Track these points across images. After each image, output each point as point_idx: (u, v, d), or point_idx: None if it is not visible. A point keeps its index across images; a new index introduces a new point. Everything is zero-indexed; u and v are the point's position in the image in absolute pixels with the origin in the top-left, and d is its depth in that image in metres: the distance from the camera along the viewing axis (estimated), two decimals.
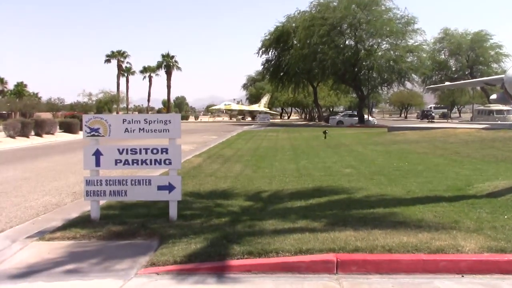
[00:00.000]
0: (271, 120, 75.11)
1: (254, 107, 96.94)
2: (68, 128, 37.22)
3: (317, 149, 20.01)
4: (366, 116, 58.37)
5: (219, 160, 15.78)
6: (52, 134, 34.09)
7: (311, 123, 72.79)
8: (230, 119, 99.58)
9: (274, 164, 14.30)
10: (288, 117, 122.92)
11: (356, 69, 55.01)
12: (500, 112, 45.01)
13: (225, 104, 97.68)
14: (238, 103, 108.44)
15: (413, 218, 6.82)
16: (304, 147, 21.42)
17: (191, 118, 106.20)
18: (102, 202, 7.89)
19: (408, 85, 60.75)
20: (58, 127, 36.62)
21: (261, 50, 63.33)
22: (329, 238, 5.81)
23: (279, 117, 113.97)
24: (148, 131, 7.22)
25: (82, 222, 7.11)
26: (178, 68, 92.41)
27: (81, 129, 35.95)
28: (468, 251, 5.34)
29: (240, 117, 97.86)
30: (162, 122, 7.19)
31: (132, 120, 7.28)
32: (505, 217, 6.86)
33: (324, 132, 27.83)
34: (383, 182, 10.42)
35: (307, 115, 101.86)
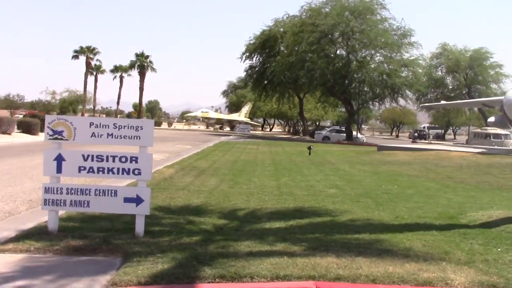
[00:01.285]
0: (251, 132, 75.67)
1: (234, 117, 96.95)
2: (27, 128, 36.80)
3: (300, 166, 20.13)
4: (354, 133, 58.88)
5: (193, 172, 15.75)
6: (9, 134, 33.68)
7: (295, 137, 73.46)
8: (207, 128, 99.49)
9: (253, 180, 14.33)
10: (271, 129, 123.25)
11: (346, 81, 55.35)
12: (497, 136, 45.85)
13: (202, 112, 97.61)
14: (216, 111, 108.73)
15: (400, 246, 6.89)
16: (286, 163, 21.54)
17: (164, 125, 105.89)
18: (61, 212, 7.78)
19: (401, 101, 61.65)
20: (16, 126, 36.17)
21: (244, 55, 64.02)
22: (309, 264, 5.81)
23: (260, 128, 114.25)
24: (117, 137, 7.17)
25: (37, 233, 7.01)
26: (153, 69, 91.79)
27: (41, 130, 35.73)
28: (457, 285, 5.40)
29: (218, 126, 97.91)
30: (133, 128, 7.16)
31: (100, 124, 7.22)
32: (499, 249, 6.97)
33: (309, 148, 28.10)
34: (370, 206, 10.52)
35: (291, 128, 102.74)
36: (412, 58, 56.12)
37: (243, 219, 8.63)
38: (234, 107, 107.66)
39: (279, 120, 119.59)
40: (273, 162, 22.03)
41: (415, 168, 20.66)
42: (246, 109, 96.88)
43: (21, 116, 49.74)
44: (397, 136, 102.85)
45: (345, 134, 57.69)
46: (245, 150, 30.08)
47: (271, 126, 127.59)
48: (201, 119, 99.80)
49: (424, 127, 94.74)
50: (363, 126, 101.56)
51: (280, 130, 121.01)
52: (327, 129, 68.79)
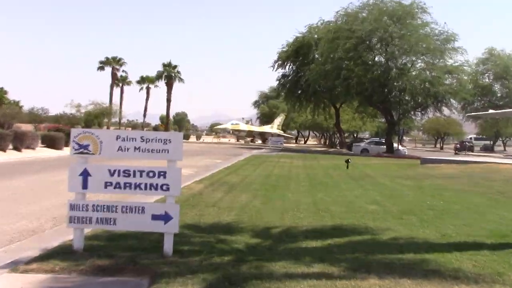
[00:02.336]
0: (284, 144, 75.23)
1: (266, 128, 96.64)
2: (51, 142, 37.47)
3: (338, 181, 19.96)
4: (395, 145, 57.87)
5: (223, 187, 15.76)
6: (33, 149, 34.33)
7: (331, 150, 72.26)
8: (237, 141, 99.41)
9: (287, 196, 14.26)
10: (305, 142, 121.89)
11: (385, 90, 54.18)
12: None
13: (232, 124, 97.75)
14: (247, 123, 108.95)
15: (448, 267, 6.73)
16: (322, 178, 21.37)
17: (193, 138, 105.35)
18: (87, 230, 7.86)
19: (446, 111, 60.04)
20: (40, 141, 36.87)
21: (277, 64, 64.06)
22: (349, 287, 5.72)
23: (294, 141, 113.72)
24: (145, 151, 7.24)
25: (62, 253, 7.08)
26: (181, 79, 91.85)
27: (66, 145, 36.42)
28: None
29: (249, 139, 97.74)
30: (161, 141, 7.23)
31: (127, 137, 7.30)
32: None
33: (347, 161, 27.74)
34: (413, 223, 10.33)
35: (327, 141, 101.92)
36: (456, 64, 54.74)
37: (278, 238, 8.57)
38: (266, 118, 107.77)
39: (314, 132, 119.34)
40: (308, 176, 21.88)
41: (462, 182, 20.25)
42: (278, 120, 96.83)
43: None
44: (441, 148, 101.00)
45: (385, 146, 56.67)
46: (278, 164, 30.01)
47: (305, 138, 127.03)
48: (231, 131, 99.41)
49: (470, 138, 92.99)
50: (404, 138, 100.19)
51: (315, 143, 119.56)
52: (365, 141, 67.85)
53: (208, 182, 17.51)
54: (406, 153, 56.31)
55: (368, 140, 67.14)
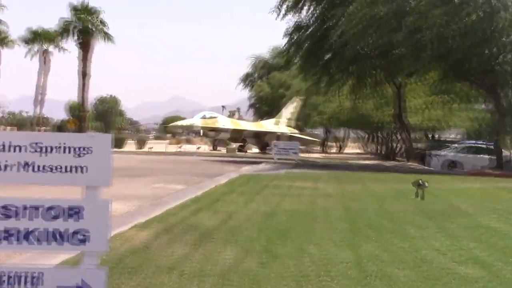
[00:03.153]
0: (302, 155, 45.23)
1: (267, 126, 61.76)
2: None
3: (402, 220, 13.03)
4: (506, 153, 36.63)
5: (189, 236, 10.23)
6: None
7: (388, 163, 45.17)
8: (214, 148, 62.01)
9: (307, 250, 9.23)
10: (340, 149, 77.58)
11: (487, 53, 33.20)
12: None
13: (203, 117, 57.37)
14: (232, 115, 74.93)
15: None
16: (372, 215, 13.88)
17: (131, 144, 59.58)
18: None
19: None
20: None
21: (285, 5, 36.89)
22: None
23: (320, 148, 72.14)
24: (42, 170, 4.67)
25: None
26: (108, 37, 55.79)
27: None
28: None
29: (234, 145, 60.33)
30: (72, 151, 4.72)
31: (9, 145, 4.63)
32: None
33: (418, 185, 18.83)
34: None
35: (380, 146, 64.55)
36: None
37: None
38: (266, 107, 70.38)
39: (356, 132, 72.16)
40: (347, 213, 14.26)
41: None
42: (290, 110, 62.53)
43: None
44: None
45: (490, 157, 36.04)
46: (291, 191, 19.33)
47: (340, 143, 78.98)
48: (201, 131, 58.52)
49: None
50: None
51: (359, 151, 77.24)
52: (453, 146, 42.95)
53: (160, 226, 11.39)
54: None
55: (459, 145, 42.69)
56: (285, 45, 40.59)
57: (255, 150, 61.63)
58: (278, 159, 37.01)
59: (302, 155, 45.03)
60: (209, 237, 9.97)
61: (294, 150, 38.88)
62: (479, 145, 39.81)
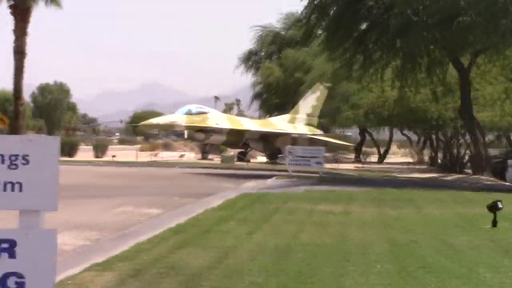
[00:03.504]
0: (328, 165, 37.30)
1: (280, 124, 49.84)
2: None
3: (471, 258, 10.22)
4: None
5: (168, 283, 7.59)
6: None
7: (450, 177, 36.63)
8: (204, 156, 50.70)
9: None
10: (382, 157, 61.50)
11: None
12: None
13: (187, 113, 45.98)
14: (229, 110, 64.04)
15: None
16: (429, 250, 10.35)
17: (87, 151, 50.84)
18: None
19: None
20: None
21: None
22: None
23: (353, 154, 60.64)
24: None
25: None
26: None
27: None
28: None
29: (231, 153, 50.12)
30: (0, 161, 3.55)
31: None
32: None
33: (493, 207, 15.62)
34: None
35: (437, 152, 52.68)
36: None
37: None
38: (277, 98, 56.04)
39: (405, 133, 59.71)
40: (393, 249, 10.61)
41: None
42: (310, 103, 49.53)
43: None
44: None
45: None
46: (312, 218, 14.60)
47: (382, 148, 63.93)
48: (185, 133, 47.68)
49: None
50: None
51: (409, 159, 61.86)
52: None
53: (127, 267, 8.45)
54: None
55: None
56: (303, 10, 31.00)
57: (262, 158, 50.50)
58: (294, 171, 30.41)
59: (328, 165, 36.77)
60: (196, 285, 7.46)
61: (317, 159, 30.91)
62: None
